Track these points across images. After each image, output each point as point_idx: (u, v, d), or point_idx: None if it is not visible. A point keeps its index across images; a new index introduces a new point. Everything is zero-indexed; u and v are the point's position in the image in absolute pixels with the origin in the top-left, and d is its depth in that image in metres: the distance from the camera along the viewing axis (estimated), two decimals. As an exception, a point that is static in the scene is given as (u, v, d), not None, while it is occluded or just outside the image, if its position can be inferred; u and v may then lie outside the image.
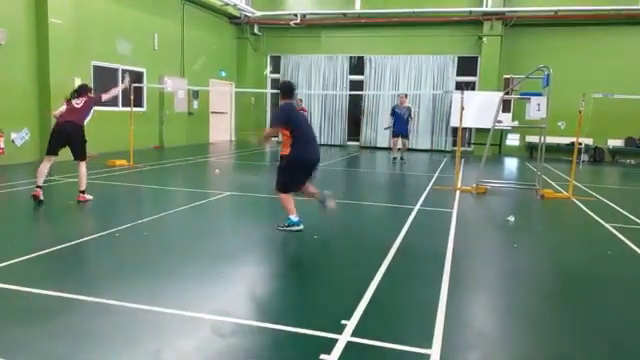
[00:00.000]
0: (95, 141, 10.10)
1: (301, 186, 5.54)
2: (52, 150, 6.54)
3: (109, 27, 12.26)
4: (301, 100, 16.16)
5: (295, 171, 5.42)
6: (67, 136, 6.50)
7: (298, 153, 5.36)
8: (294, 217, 5.40)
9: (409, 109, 13.27)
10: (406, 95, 13.83)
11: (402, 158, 13.04)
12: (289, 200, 5.44)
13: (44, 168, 6.48)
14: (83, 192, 6.56)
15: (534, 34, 15.82)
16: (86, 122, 6.70)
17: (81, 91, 6.79)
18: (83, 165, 6.58)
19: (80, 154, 6.59)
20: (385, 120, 13.31)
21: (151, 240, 4.99)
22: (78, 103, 6.61)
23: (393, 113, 13.14)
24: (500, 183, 9.46)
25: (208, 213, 6.49)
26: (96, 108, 7.02)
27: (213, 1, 16.04)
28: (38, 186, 6.35)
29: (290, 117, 5.43)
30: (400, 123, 13.01)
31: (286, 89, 5.61)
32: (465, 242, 5.23)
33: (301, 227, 5.36)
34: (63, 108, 6.66)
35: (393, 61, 17.34)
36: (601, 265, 4.70)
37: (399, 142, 13.15)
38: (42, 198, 6.28)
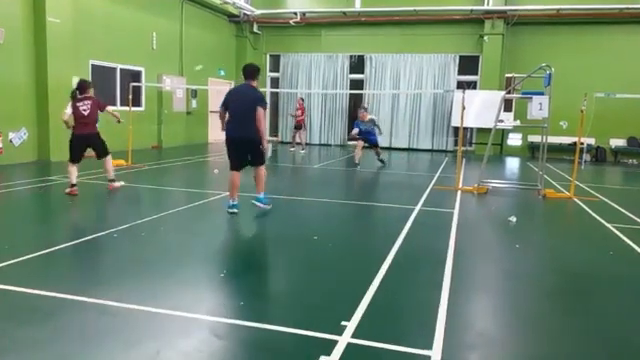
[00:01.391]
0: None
1: (236, 166, 6.03)
2: (75, 159, 7.03)
3: (107, 26, 12.22)
4: (303, 99, 16.13)
5: (227, 148, 6.04)
6: (87, 145, 7.11)
7: (226, 130, 5.98)
8: (230, 200, 5.97)
9: (373, 121, 11.82)
10: (366, 109, 12.20)
11: (382, 160, 12.05)
12: (229, 180, 6.00)
13: (73, 170, 6.96)
14: (112, 181, 7.39)
15: (536, 33, 15.78)
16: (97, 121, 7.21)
17: (82, 88, 6.98)
18: (109, 159, 7.32)
19: (104, 152, 7.30)
20: (353, 130, 11.73)
21: (150, 241, 4.95)
22: (85, 110, 6.90)
23: (358, 129, 11.64)
24: (502, 183, 9.41)
25: (207, 213, 6.44)
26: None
27: None
28: (73, 184, 6.86)
29: (226, 98, 6.00)
30: (370, 136, 11.70)
31: (245, 70, 6.14)
32: (466, 242, 5.19)
33: (230, 210, 5.94)
34: (69, 111, 6.94)
35: (393, 60, 17.30)
36: (603, 265, 4.66)
37: (360, 148, 11.84)
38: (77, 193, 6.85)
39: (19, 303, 3.28)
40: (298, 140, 15.49)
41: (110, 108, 7.39)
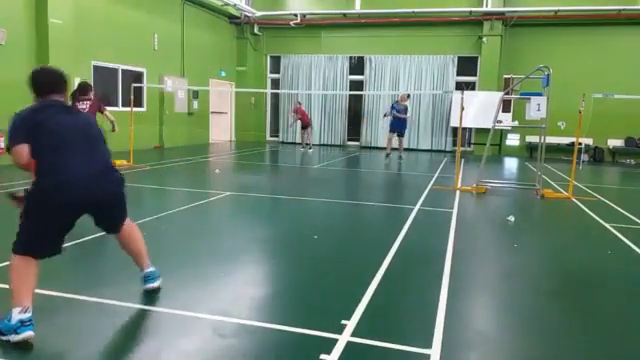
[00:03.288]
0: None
1: (54, 249, 3.08)
2: None
3: (109, 27, 12.27)
4: (300, 103, 16.22)
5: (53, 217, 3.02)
6: None
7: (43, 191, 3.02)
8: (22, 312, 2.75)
9: (406, 108, 13.61)
10: (408, 95, 14.14)
11: (400, 157, 13.43)
12: (22, 272, 2.90)
13: None
14: None
15: (534, 34, 15.83)
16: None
17: (83, 90, 6.90)
18: None
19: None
20: (386, 109, 14.04)
21: (151, 240, 4.94)
22: (84, 108, 6.80)
23: (392, 108, 13.52)
24: (500, 183, 9.46)
25: (208, 213, 6.49)
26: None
27: (213, 1, 16.04)
28: None
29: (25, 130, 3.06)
30: (397, 120, 13.36)
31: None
32: (465, 242, 5.22)
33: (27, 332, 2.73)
34: None
35: (393, 61, 17.34)
36: (601, 265, 4.70)
37: (394, 140, 13.59)
38: None
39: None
40: (307, 141, 15.65)
41: (108, 112, 7.16)
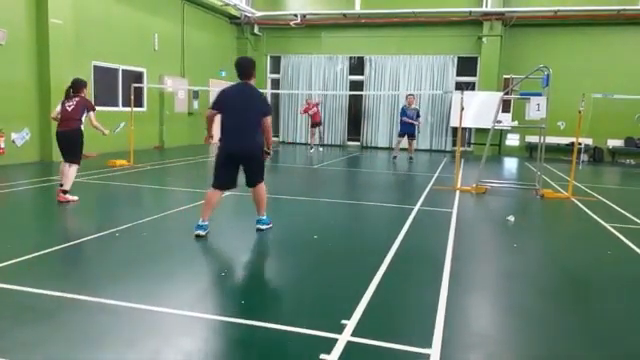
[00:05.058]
0: (95, 141, 10.09)
1: (224, 184, 5.01)
2: (63, 156, 6.69)
3: (109, 27, 12.28)
4: (314, 102, 16.14)
5: (219, 163, 5.01)
6: (64, 141, 6.62)
7: (222, 142, 4.95)
8: (201, 219, 4.94)
9: (417, 111, 13.69)
10: (413, 96, 14.17)
11: (411, 158, 13.46)
12: (208, 198, 5.00)
13: (64, 169, 6.61)
14: (65, 192, 6.46)
15: (534, 34, 15.84)
16: (83, 121, 6.68)
17: (76, 86, 6.79)
18: (74, 168, 6.58)
19: (70, 157, 6.57)
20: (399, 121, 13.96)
21: (151, 240, 5.00)
22: (70, 105, 6.62)
23: (403, 114, 13.47)
24: (500, 183, 9.47)
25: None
26: (97, 108, 7.03)
27: (213, 1, 16.05)
28: (62, 184, 6.53)
29: (220, 100, 4.95)
30: (407, 124, 13.40)
31: (238, 66, 5.05)
32: (465, 242, 5.23)
33: (197, 232, 4.89)
34: (58, 109, 6.72)
35: (393, 61, 17.35)
36: (601, 265, 4.71)
37: (403, 142, 13.59)
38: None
39: (20, 302, 3.31)
40: (317, 141, 15.74)
41: (93, 117, 6.73)
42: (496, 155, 15.93)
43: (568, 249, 5.37)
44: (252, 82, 5.06)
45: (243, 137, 4.89)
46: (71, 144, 6.60)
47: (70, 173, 6.52)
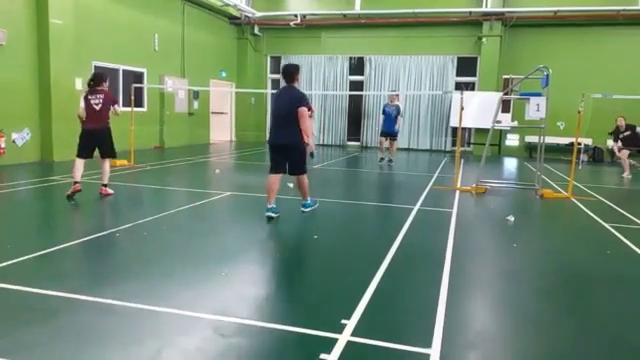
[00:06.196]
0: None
1: (277, 170, 5.88)
2: (82, 154, 6.83)
3: (110, 27, 12.29)
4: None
5: (269, 153, 6.02)
6: (96, 140, 6.84)
7: (268, 136, 6.07)
8: (268, 204, 5.84)
9: (397, 108, 12.45)
10: (397, 95, 13.42)
11: (390, 160, 12.36)
12: (267, 183, 5.91)
13: (80, 165, 6.76)
14: (105, 186, 6.98)
15: (533, 34, 15.85)
16: (109, 118, 6.96)
17: (98, 80, 6.89)
18: (108, 163, 7.00)
19: (109, 153, 6.99)
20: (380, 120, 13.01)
21: (151, 240, 5.01)
22: (97, 104, 6.74)
23: (383, 112, 12.51)
24: (500, 183, 9.48)
25: (208, 213, 6.50)
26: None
27: (213, 1, 16.06)
28: (76, 182, 6.62)
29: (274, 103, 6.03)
30: (388, 122, 12.26)
31: (283, 72, 6.01)
32: (465, 242, 5.24)
33: (268, 214, 5.79)
34: (82, 105, 6.78)
35: (393, 61, 17.37)
36: (600, 265, 4.72)
37: (386, 143, 12.47)
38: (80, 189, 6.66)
39: (21, 302, 3.31)
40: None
41: (118, 109, 7.12)
42: (496, 155, 15.95)
43: (568, 249, 5.38)
44: (296, 84, 5.93)
45: (281, 132, 5.79)
46: (106, 141, 6.90)
47: (106, 167, 6.96)
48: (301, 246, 5.04)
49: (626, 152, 11.52)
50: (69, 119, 9.26)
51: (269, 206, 5.81)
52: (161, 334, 2.91)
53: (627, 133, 11.61)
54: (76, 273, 4.06)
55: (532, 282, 4.18)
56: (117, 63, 12.72)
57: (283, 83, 6.09)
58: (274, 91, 19.35)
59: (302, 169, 5.97)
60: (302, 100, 5.76)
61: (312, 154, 5.97)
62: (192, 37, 15.60)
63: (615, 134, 11.82)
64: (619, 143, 11.70)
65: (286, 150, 5.82)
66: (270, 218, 5.75)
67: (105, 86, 6.94)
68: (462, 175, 10.00)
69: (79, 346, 2.74)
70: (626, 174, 11.39)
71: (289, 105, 5.71)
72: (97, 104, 6.72)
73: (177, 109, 15.18)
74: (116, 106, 7.00)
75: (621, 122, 11.70)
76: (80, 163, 6.77)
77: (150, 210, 6.35)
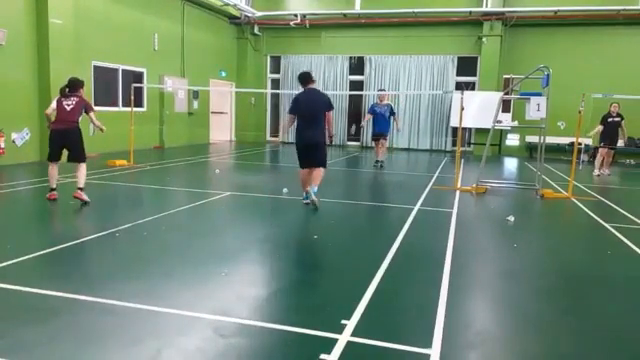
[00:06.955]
0: (95, 141, 10.13)
1: (309, 165, 6.66)
2: (53, 156, 6.55)
3: (109, 27, 12.28)
4: None
5: (297, 151, 6.77)
6: (64, 140, 6.47)
7: (297, 135, 6.72)
8: (304, 193, 6.66)
9: (390, 106, 11.77)
10: (386, 92, 13.16)
11: (377, 161, 11.69)
12: (300, 178, 6.84)
13: (52, 171, 6.53)
14: (81, 189, 6.35)
15: (534, 34, 15.84)
16: (80, 121, 6.57)
17: (73, 86, 6.59)
18: (83, 166, 6.49)
19: (78, 157, 6.51)
20: (363, 118, 12.20)
21: (151, 240, 5.00)
22: (69, 104, 6.45)
23: (372, 112, 11.65)
24: (500, 183, 9.47)
25: (208, 213, 6.50)
26: (97, 108, 6.96)
27: (213, 1, 16.05)
28: (52, 189, 6.47)
29: (294, 105, 6.73)
30: (381, 123, 11.53)
31: (299, 79, 6.87)
32: (465, 242, 5.24)
33: (306, 200, 6.62)
34: (54, 105, 6.52)
35: (393, 61, 17.37)
36: (601, 265, 4.72)
37: (380, 144, 11.69)
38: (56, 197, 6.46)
39: (21, 302, 3.31)
40: None
41: (94, 117, 6.61)
42: (496, 155, 15.94)
43: (568, 249, 5.38)
44: (314, 85, 6.82)
45: (310, 133, 6.59)
46: (74, 143, 6.47)
47: (81, 172, 6.41)
48: (301, 246, 5.04)
49: (604, 151, 11.63)
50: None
51: (305, 195, 6.62)
52: (161, 334, 2.91)
53: (617, 119, 11.72)
54: (76, 273, 4.05)
55: (532, 282, 4.17)
56: (117, 63, 12.71)
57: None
58: (274, 91, 19.13)
59: (325, 163, 6.81)
60: (331, 105, 6.79)
61: (331, 139, 6.97)
62: (192, 37, 15.59)
63: (604, 117, 11.82)
64: (601, 128, 11.76)
65: (315, 148, 6.62)
66: (307, 204, 6.58)
67: (82, 92, 6.65)
68: (462, 175, 10.00)
69: (79, 346, 2.74)
70: (596, 172, 11.51)
71: (319, 109, 6.63)
72: (69, 105, 6.43)
73: (177, 109, 15.17)
74: (92, 114, 6.58)
75: (615, 108, 11.79)
76: (53, 169, 6.51)
77: (150, 210, 6.35)
